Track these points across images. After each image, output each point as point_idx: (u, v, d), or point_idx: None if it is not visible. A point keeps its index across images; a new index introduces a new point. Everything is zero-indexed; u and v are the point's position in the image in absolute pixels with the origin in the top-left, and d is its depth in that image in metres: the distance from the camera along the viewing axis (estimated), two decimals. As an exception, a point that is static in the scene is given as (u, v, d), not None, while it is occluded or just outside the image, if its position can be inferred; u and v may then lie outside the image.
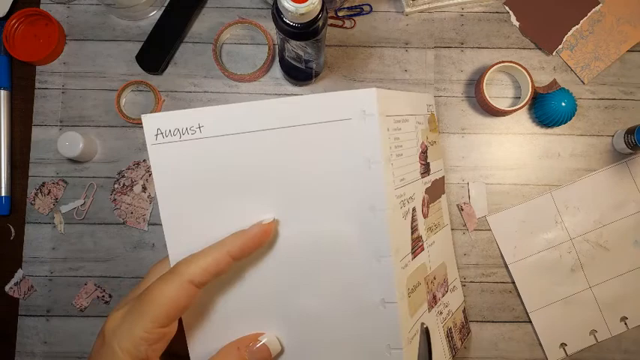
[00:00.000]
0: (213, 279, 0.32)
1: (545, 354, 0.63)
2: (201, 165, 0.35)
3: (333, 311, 0.36)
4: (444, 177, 0.58)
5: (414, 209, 0.44)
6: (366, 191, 0.35)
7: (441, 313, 0.51)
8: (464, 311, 0.61)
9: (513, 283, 0.64)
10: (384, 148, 0.35)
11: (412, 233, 0.43)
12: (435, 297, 0.49)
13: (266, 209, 0.35)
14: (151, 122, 0.35)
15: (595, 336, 0.63)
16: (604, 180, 0.65)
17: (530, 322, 0.63)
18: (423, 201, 0.48)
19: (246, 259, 0.35)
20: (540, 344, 0.63)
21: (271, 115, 0.35)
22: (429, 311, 0.46)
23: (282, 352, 0.37)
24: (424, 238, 0.47)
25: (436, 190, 0.54)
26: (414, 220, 0.43)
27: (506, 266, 0.64)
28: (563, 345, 0.63)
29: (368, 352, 0.36)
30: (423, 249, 0.46)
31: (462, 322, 0.59)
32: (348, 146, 0.35)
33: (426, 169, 0.50)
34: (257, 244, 0.34)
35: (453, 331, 0.54)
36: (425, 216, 0.48)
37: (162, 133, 0.35)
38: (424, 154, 0.49)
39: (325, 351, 0.36)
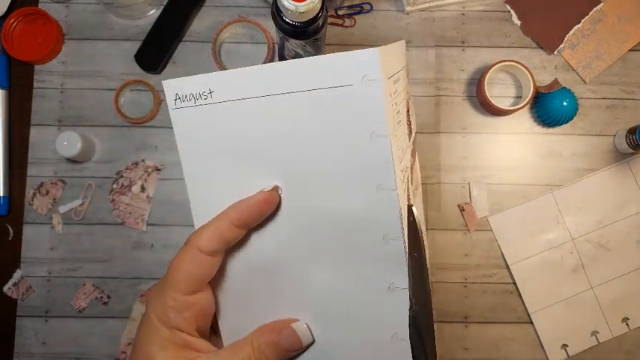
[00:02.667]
0: (222, 246, 0.34)
1: (546, 355, 0.62)
2: (215, 131, 0.35)
3: (345, 290, 0.35)
4: (416, 132, 0.54)
5: (408, 179, 0.40)
6: (371, 168, 0.32)
7: None
8: None
9: (514, 283, 0.63)
10: (389, 119, 0.31)
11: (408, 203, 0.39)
12: None
13: (272, 178, 0.35)
14: (170, 87, 0.36)
15: (596, 337, 0.63)
16: (606, 180, 0.64)
17: (532, 323, 0.63)
18: (411, 166, 0.43)
19: (256, 229, 0.35)
20: (542, 345, 0.63)
21: (275, 80, 0.33)
22: None
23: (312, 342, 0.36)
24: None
25: (414, 150, 0.49)
26: (407, 189, 0.40)
27: (507, 267, 0.63)
28: (564, 346, 0.62)
29: (376, 340, 0.35)
30: None
31: None
32: (350, 116, 0.31)
33: (410, 130, 0.45)
34: (260, 212, 0.34)
35: None
36: (411, 182, 0.44)
37: (179, 98, 0.36)
38: (408, 112, 0.44)
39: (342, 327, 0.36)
